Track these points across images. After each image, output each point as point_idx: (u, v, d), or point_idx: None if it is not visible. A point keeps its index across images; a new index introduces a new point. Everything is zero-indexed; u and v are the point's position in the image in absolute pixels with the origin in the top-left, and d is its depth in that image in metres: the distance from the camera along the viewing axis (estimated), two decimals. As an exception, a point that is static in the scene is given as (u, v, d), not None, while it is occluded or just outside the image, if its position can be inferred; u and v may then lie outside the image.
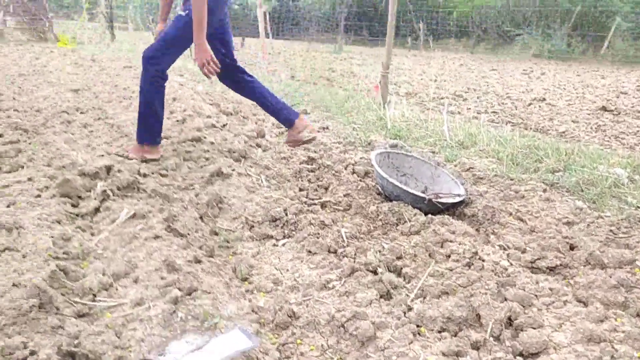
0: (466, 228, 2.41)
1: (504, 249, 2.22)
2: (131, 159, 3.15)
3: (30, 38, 14.65)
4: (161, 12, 3.53)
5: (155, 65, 3.10)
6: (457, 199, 2.74)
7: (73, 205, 2.47)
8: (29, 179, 2.61)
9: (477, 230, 2.55)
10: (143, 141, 3.24)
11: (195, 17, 2.89)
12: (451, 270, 2.06)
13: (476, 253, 2.16)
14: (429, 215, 2.56)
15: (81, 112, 4.51)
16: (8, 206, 2.25)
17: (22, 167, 2.81)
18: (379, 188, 2.98)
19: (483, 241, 2.36)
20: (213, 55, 2.97)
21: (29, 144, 3.40)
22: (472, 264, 2.10)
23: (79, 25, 16.17)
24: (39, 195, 2.43)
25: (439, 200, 2.66)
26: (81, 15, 17.09)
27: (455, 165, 3.50)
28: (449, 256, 2.17)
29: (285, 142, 3.47)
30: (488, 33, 19.84)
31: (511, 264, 2.10)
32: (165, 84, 3.22)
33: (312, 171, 3.31)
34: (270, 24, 15.84)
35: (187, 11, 3.04)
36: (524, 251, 2.20)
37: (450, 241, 2.27)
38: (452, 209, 2.81)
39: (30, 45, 12.90)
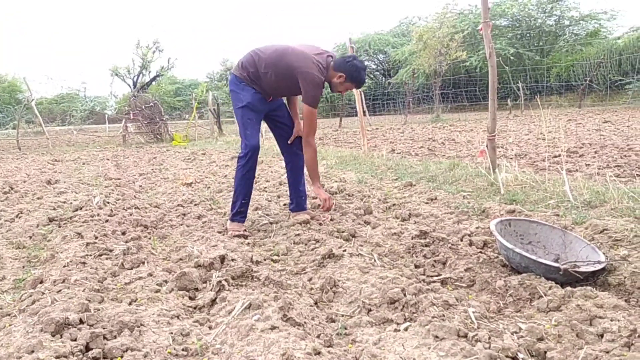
0: (616, 301, 2.09)
1: (668, 324, 1.88)
2: None
3: (149, 140, 16.08)
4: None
5: None
6: (598, 267, 2.42)
7: (190, 298, 2.48)
8: (149, 274, 2.68)
9: (626, 301, 2.21)
10: None
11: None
12: (607, 352, 1.76)
13: (635, 331, 1.84)
14: (568, 288, 2.27)
15: (195, 204, 4.71)
16: (130, 303, 2.30)
17: (143, 262, 2.90)
18: (504, 259, 2.73)
19: (639, 315, 2.02)
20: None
21: (149, 239, 3.55)
22: (632, 344, 1.79)
23: (190, 123, 17.55)
24: (158, 290, 2.46)
25: (578, 269, 2.36)
26: (191, 115, 18.58)
27: (586, 228, 3.16)
28: (602, 335, 1.86)
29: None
30: (594, 85, 18.89)
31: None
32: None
33: (426, 245, 3.12)
34: (366, 102, 16.20)
35: None
36: (695, 325, 1.85)
37: (600, 317, 1.97)
38: (592, 279, 2.48)
39: (149, 146, 14.10)
